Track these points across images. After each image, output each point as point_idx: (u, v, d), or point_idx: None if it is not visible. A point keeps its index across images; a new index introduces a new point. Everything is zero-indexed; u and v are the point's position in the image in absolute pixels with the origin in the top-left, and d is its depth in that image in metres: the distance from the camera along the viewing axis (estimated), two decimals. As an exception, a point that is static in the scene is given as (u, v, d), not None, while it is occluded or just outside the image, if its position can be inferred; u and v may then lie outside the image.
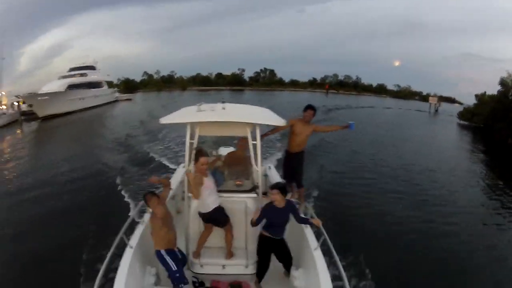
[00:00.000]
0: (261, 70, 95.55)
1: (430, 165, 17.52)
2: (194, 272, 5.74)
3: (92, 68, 46.97)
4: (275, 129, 7.37)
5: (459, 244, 9.66)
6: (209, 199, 5.40)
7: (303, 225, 5.59)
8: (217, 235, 5.80)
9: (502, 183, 15.10)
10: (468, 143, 27.52)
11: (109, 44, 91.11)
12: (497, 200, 13.14)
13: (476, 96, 40.43)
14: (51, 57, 73.27)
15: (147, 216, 5.90)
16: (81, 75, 43.31)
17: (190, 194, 5.68)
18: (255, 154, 5.70)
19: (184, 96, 66.22)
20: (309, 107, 6.95)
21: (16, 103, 34.24)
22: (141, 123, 28.40)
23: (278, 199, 5.06)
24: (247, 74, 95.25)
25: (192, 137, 5.73)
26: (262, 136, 5.97)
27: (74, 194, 12.57)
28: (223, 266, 5.71)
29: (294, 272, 5.42)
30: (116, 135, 24.63)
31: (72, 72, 43.39)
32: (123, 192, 12.05)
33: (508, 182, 15.02)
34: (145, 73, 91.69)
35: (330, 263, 4.94)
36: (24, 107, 34.25)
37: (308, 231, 5.61)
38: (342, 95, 78.45)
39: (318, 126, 7.44)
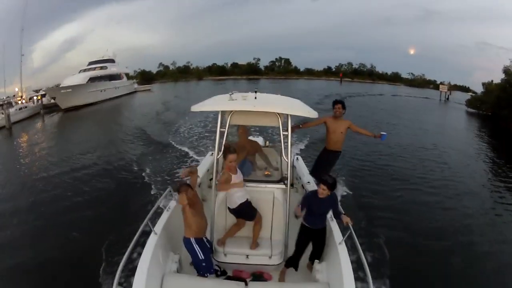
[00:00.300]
0: (276, 59, 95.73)
1: (428, 144, 18.90)
2: (217, 261, 5.75)
3: (111, 61, 48.97)
4: (305, 123, 7.54)
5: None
6: (236, 194, 5.46)
7: (328, 218, 5.63)
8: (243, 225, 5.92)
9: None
10: (475, 129, 28.44)
11: (123, 37, 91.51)
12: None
13: (483, 84, 41.59)
14: (65, 52, 73.83)
15: (172, 203, 6.16)
16: (101, 68, 45.33)
17: (217, 182, 5.75)
18: (286, 145, 5.68)
19: (200, 86, 67.66)
20: (337, 102, 7.08)
21: (35, 97, 36.56)
22: (161, 112, 30.01)
23: (324, 194, 5.07)
24: (263, 63, 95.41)
25: (223, 126, 5.75)
26: (292, 128, 5.93)
27: (100, 182, 13.02)
28: (247, 256, 5.68)
29: (316, 265, 5.41)
30: (138, 123, 25.63)
31: (92, 66, 45.50)
32: (147, 180, 12.44)
33: None
34: (161, 64, 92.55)
35: (355, 258, 4.95)
36: (45, 100, 36.31)
37: (334, 224, 5.62)
38: (356, 83, 78.86)
39: (354, 125, 7.31)
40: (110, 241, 7.93)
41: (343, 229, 5.31)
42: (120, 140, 20.56)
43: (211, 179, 6.60)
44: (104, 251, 7.57)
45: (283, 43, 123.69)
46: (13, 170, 15.81)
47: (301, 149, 15.42)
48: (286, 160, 5.64)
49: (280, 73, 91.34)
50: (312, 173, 7.73)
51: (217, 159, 5.85)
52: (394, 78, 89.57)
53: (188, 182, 5.37)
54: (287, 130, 5.63)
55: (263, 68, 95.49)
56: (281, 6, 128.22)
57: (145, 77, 77.71)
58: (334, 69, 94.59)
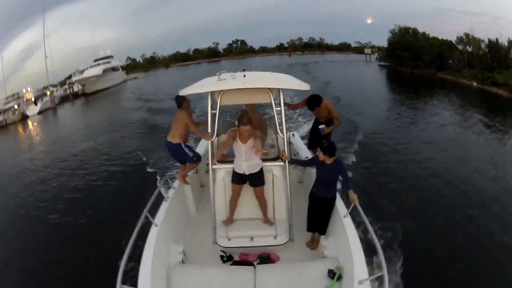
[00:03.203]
0: (233, 41, 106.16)
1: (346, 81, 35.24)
2: (221, 246, 5.95)
3: (111, 57, 65.72)
4: (297, 104, 7.99)
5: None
6: (247, 163, 5.74)
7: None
8: (243, 207, 6.02)
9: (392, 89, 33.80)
10: (379, 74, 48.25)
11: (83, 36, 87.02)
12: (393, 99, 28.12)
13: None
14: (25, 60, 72.01)
15: (171, 193, 6.53)
16: (106, 62, 62.28)
17: (215, 166, 6.11)
18: (280, 120, 5.78)
19: (169, 72, 79.83)
20: (312, 105, 7.54)
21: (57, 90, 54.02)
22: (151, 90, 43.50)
23: (321, 157, 5.33)
24: (221, 47, 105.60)
25: (213, 108, 5.91)
26: (285, 104, 6.17)
27: (110, 161, 16.17)
28: (251, 238, 5.81)
29: (323, 241, 5.71)
30: (141, 98, 37.01)
31: (99, 61, 62.02)
32: (146, 162, 14.40)
33: (396, 88, 34.23)
34: (129, 57, 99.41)
35: (361, 230, 5.28)
36: (61, 91, 54.01)
37: (337, 198, 5.75)
38: (307, 55, 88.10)
39: (333, 109, 7.63)
40: (111, 234, 8.29)
41: (347, 202, 5.48)
42: (128, 112, 29.85)
43: (208, 164, 6.60)
44: (107, 245, 7.96)
45: (237, 24, 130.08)
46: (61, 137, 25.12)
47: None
48: (282, 136, 5.83)
49: (238, 53, 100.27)
50: (309, 146, 8.16)
51: (212, 142, 6.17)
52: (343, 48, 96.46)
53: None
54: (279, 106, 5.78)
55: (222, 51, 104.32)
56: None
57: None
58: (286, 45, 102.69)
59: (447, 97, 28.54)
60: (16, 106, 43.51)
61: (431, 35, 46.15)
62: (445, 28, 46.30)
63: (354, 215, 5.37)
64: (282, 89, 5.93)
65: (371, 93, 29.63)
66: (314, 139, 7.86)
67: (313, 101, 7.45)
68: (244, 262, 5.83)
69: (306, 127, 14.89)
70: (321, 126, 7.51)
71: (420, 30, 47.05)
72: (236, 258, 5.96)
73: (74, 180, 14.55)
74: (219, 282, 5.01)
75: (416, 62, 43.30)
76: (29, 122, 39.95)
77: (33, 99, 47.21)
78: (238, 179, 5.87)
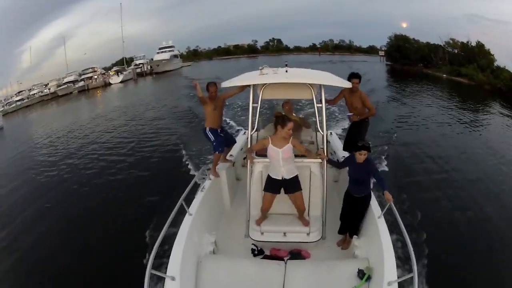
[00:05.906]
0: (270, 40, 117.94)
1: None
2: (254, 240, 6.18)
3: (173, 46, 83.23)
4: (329, 101, 7.76)
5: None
6: (282, 168, 5.82)
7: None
8: (278, 202, 6.10)
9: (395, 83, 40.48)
10: (380, 70, 57.48)
11: (115, 28, 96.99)
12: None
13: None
14: (55, 48, 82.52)
15: (207, 184, 6.75)
16: (170, 50, 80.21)
17: (255, 159, 6.30)
18: (321, 118, 5.98)
19: (212, 63, 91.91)
20: (353, 76, 7.44)
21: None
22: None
23: (362, 159, 5.49)
24: (259, 44, 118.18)
25: (255, 101, 6.16)
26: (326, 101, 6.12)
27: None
28: (284, 234, 6.01)
29: (355, 241, 5.86)
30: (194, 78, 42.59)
31: (164, 49, 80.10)
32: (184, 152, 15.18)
33: (397, 81, 42.38)
34: None
35: (395, 231, 5.32)
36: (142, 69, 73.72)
37: (372, 198, 5.91)
38: (337, 55, 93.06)
39: (367, 101, 7.73)
40: (144, 221, 8.58)
41: (382, 203, 5.63)
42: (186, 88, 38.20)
43: (244, 158, 7.02)
44: (138, 233, 8.20)
45: (274, 23, 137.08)
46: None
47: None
48: (322, 133, 6.04)
49: (274, 51, 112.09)
50: (345, 148, 8.40)
51: (251, 136, 6.31)
52: (371, 50, 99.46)
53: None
54: (320, 102, 5.99)
55: (259, 48, 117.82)
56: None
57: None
58: (318, 46, 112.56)
59: (422, 84, 39.25)
60: (95, 76, 67.00)
61: (444, 40, 56.29)
62: (474, 36, 51.43)
63: (387, 215, 5.54)
64: (323, 85, 6.04)
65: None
66: (350, 143, 8.04)
67: (354, 74, 7.58)
68: (274, 257, 6.01)
69: (342, 125, 16.39)
70: (349, 114, 7.94)
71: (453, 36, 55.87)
72: (267, 252, 6.19)
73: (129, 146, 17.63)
74: (249, 275, 5.28)
75: (405, 60, 57.67)
76: (113, 88, 61.27)
77: (113, 72, 70.64)
78: (273, 186, 6.00)
